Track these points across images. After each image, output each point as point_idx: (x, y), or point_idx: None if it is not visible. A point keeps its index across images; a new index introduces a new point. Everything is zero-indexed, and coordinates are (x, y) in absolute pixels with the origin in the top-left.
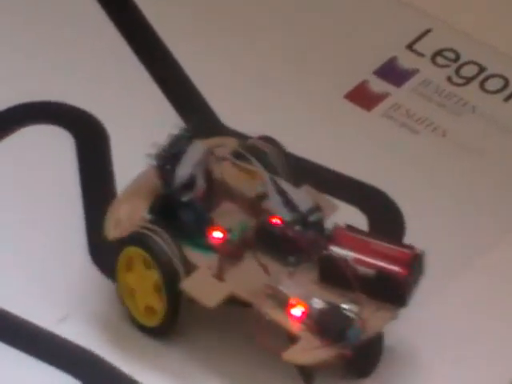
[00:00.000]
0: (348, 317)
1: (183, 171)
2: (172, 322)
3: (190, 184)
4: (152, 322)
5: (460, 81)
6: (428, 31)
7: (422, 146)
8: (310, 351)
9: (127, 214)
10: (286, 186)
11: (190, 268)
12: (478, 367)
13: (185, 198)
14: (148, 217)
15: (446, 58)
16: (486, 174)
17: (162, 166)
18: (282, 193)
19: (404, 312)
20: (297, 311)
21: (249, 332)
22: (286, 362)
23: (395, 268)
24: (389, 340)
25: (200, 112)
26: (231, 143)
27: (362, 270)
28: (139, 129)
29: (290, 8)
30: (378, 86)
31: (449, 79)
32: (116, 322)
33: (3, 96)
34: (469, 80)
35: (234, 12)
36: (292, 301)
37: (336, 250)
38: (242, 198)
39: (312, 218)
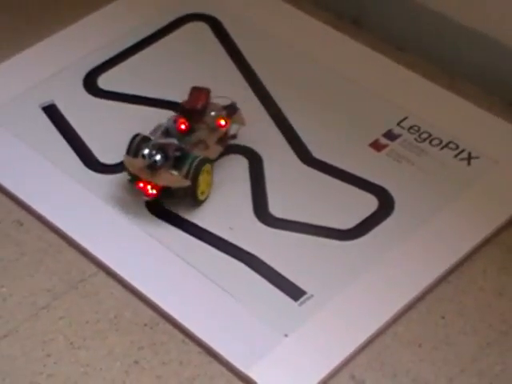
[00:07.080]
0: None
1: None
2: None
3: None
4: None
5: (420, 140)
6: (406, 118)
7: (403, 169)
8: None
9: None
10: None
11: None
12: None
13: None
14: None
15: (414, 130)
16: (428, 178)
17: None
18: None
19: None
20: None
21: None
22: None
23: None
24: None
25: None
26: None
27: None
28: None
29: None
30: (384, 141)
31: (415, 139)
32: None
33: None
34: (424, 140)
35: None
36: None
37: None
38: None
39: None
